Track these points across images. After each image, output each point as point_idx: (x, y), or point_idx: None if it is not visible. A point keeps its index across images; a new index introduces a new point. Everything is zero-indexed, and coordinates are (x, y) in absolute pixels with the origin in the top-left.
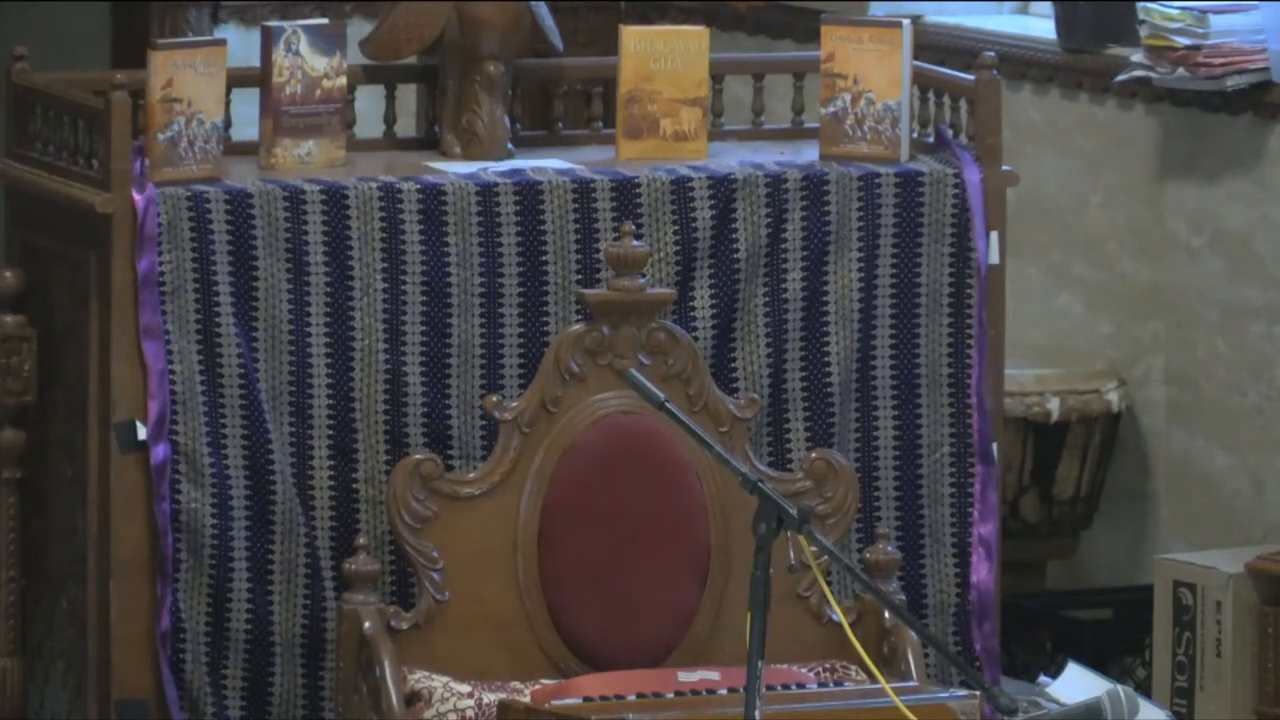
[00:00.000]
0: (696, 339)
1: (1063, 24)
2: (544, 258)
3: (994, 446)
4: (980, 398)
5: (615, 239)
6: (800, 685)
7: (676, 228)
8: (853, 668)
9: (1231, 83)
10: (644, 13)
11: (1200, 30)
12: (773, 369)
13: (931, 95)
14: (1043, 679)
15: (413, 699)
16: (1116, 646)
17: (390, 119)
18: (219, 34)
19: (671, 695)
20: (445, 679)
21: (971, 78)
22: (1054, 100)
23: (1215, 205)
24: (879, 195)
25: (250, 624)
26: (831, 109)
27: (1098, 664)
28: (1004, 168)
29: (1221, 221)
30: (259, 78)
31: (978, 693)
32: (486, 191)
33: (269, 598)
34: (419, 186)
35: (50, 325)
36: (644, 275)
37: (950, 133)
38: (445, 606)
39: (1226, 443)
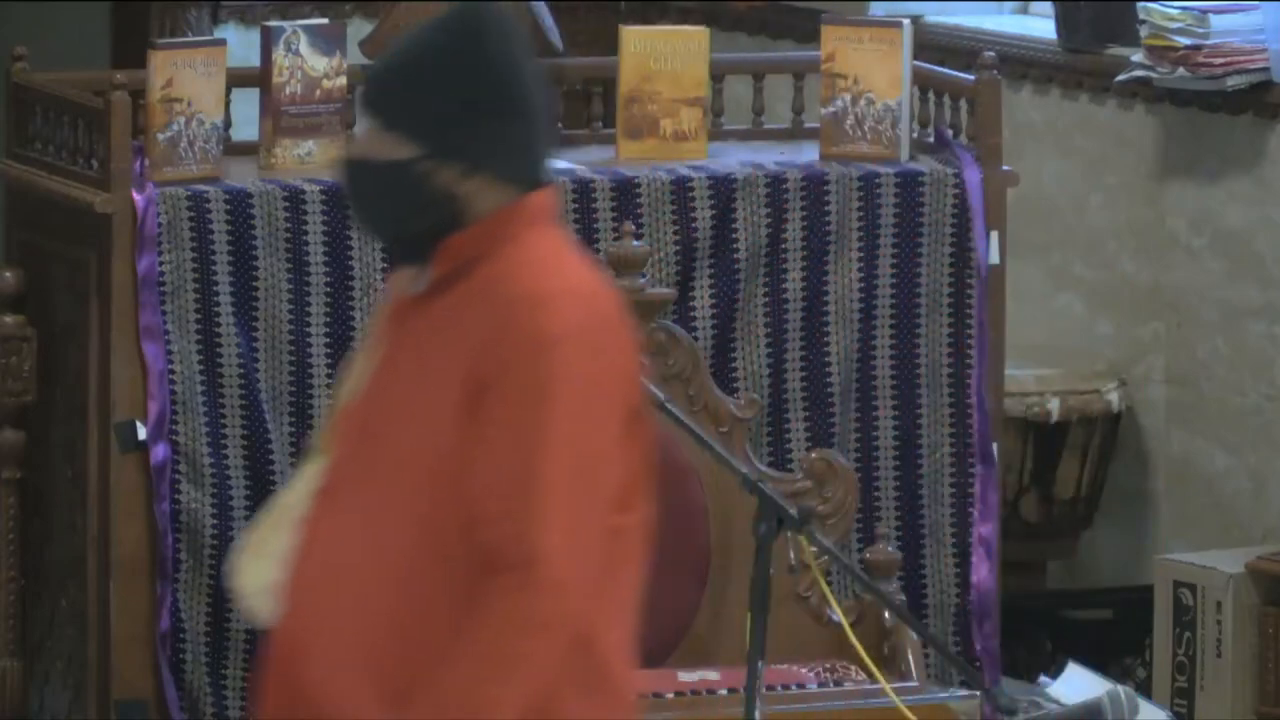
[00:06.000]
0: (696, 339)
1: (1063, 24)
2: None
3: (994, 446)
4: (980, 398)
5: (615, 239)
6: (800, 685)
7: (676, 228)
8: (853, 668)
9: (1232, 83)
10: (644, 13)
11: (1201, 30)
12: (773, 369)
13: (931, 95)
14: (1043, 679)
15: None
16: (1116, 646)
17: None
18: (219, 34)
19: (671, 695)
20: None
21: (971, 78)
22: (1054, 100)
23: (1215, 205)
24: (879, 195)
25: (250, 624)
26: (831, 109)
27: (1098, 664)
28: (1004, 168)
29: (1222, 221)
30: (259, 78)
31: (978, 693)
32: None
33: None
34: None
35: (50, 325)
36: (644, 275)
37: (950, 133)
38: None
39: (1227, 443)
